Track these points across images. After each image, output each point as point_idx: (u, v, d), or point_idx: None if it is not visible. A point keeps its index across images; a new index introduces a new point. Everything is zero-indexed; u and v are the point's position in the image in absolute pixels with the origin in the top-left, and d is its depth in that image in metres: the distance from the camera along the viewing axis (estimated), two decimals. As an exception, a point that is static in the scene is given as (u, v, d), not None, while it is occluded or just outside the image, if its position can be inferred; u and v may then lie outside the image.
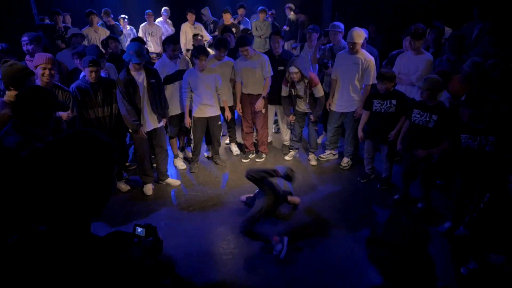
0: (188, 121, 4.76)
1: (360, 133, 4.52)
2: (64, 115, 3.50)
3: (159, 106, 4.27)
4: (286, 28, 9.14)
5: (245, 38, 4.89)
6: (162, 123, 4.42)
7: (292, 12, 9.28)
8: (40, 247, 0.94)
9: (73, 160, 0.97)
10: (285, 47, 8.34)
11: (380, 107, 4.25)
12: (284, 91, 4.89)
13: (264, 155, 5.33)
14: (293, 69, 4.51)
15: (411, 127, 3.90)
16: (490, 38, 4.49)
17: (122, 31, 8.05)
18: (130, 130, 4.28)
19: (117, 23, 8.20)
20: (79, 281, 0.91)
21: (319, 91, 4.72)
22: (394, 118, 4.20)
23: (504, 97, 3.64)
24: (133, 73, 4.03)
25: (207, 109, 4.75)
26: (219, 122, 4.93)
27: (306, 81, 4.64)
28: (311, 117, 4.91)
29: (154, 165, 5.01)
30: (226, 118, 4.99)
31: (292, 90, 4.80)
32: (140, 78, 4.08)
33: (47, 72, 3.32)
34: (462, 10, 6.48)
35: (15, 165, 1.49)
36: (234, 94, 5.24)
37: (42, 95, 2.34)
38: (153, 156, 5.05)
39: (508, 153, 3.10)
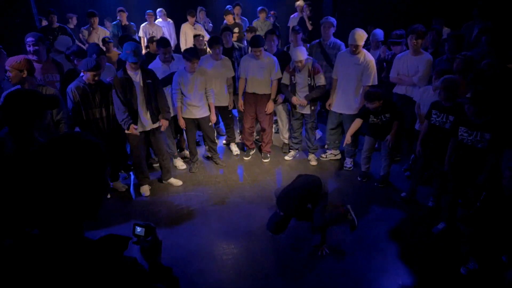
0: (182, 122, 4.74)
1: (348, 139, 4.48)
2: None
3: (155, 106, 4.23)
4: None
5: (260, 39, 4.84)
6: (159, 124, 4.33)
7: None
8: (32, 252, 0.94)
9: (62, 163, 0.97)
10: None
11: (376, 121, 4.30)
12: (286, 79, 4.90)
13: (269, 155, 5.34)
14: (297, 57, 4.58)
15: (429, 128, 3.83)
16: (488, 38, 4.48)
17: (135, 31, 8.09)
18: (125, 131, 4.19)
19: (132, 23, 8.21)
20: (70, 286, 0.91)
21: (321, 80, 4.71)
22: (391, 127, 4.24)
23: (501, 97, 3.64)
24: (130, 72, 4.03)
25: (195, 110, 4.72)
26: (210, 124, 4.90)
27: (310, 67, 4.67)
28: (303, 99, 4.80)
29: (155, 165, 5.02)
30: (211, 122, 4.89)
31: (292, 77, 4.82)
32: (137, 77, 4.07)
33: (12, 74, 3.36)
34: (462, 10, 6.48)
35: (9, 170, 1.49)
36: (229, 94, 5.21)
37: (27, 98, 2.27)
38: (153, 157, 5.06)
39: (498, 152, 3.10)
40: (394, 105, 4.34)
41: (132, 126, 4.09)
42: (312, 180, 3.45)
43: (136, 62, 3.96)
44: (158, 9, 8.56)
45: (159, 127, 4.34)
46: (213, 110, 4.84)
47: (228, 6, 7.94)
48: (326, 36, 5.19)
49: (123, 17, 7.83)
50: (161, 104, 4.28)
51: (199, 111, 4.75)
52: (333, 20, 5.17)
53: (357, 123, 4.43)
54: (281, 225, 3.35)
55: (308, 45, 5.51)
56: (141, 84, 4.10)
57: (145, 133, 4.30)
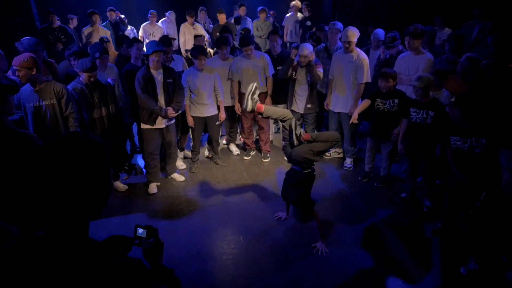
0: (190, 120, 4.76)
1: (355, 117, 4.46)
2: None
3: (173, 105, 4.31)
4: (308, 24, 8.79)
5: (249, 38, 4.88)
6: (173, 120, 4.46)
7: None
8: (37, 252, 0.94)
9: (65, 163, 0.97)
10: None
11: (383, 106, 4.27)
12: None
13: (269, 155, 5.35)
14: (303, 51, 4.61)
15: (410, 126, 3.94)
16: (495, 38, 4.45)
17: (126, 24, 8.11)
18: (140, 127, 4.33)
19: (123, 17, 8.22)
20: (76, 287, 0.91)
21: (319, 73, 4.75)
22: (397, 117, 4.20)
23: (501, 97, 3.63)
24: (152, 71, 4.09)
25: (205, 108, 4.75)
26: (217, 122, 4.93)
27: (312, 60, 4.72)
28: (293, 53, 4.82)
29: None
30: (220, 120, 4.94)
31: (294, 73, 4.85)
32: (159, 76, 4.13)
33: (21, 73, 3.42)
34: (462, 10, 6.48)
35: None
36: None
37: None
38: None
39: (497, 154, 3.10)
40: (403, 93, 4.31)
41: (169, 110, 4.15)
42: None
43: (159, 50, 3.99)
44: (168, 11, 8.60)
45: (173, 122, 4.47)
46: (222, 108, 4.87)
47: (234, 7, 7.95)
48: (333, 41, 5.22)
49: (112, 16, 7.79)
50: (178, 101, 4.30)
51: (207, 110, 4.77)
52: (340, 26, 5.19)
53: (365, 103, 4.41)
54: (306, 214, 3.41)
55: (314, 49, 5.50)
56: (162, 83, 4.15)
57: (161, 130, 4.36)
